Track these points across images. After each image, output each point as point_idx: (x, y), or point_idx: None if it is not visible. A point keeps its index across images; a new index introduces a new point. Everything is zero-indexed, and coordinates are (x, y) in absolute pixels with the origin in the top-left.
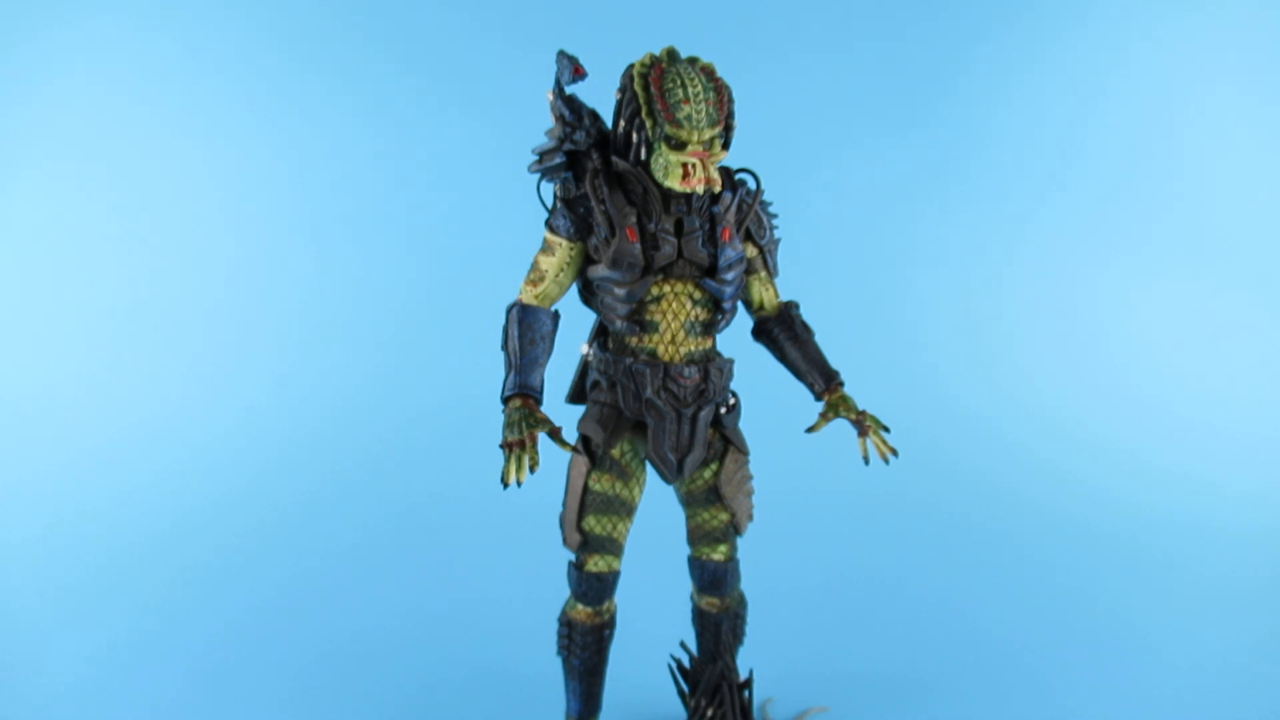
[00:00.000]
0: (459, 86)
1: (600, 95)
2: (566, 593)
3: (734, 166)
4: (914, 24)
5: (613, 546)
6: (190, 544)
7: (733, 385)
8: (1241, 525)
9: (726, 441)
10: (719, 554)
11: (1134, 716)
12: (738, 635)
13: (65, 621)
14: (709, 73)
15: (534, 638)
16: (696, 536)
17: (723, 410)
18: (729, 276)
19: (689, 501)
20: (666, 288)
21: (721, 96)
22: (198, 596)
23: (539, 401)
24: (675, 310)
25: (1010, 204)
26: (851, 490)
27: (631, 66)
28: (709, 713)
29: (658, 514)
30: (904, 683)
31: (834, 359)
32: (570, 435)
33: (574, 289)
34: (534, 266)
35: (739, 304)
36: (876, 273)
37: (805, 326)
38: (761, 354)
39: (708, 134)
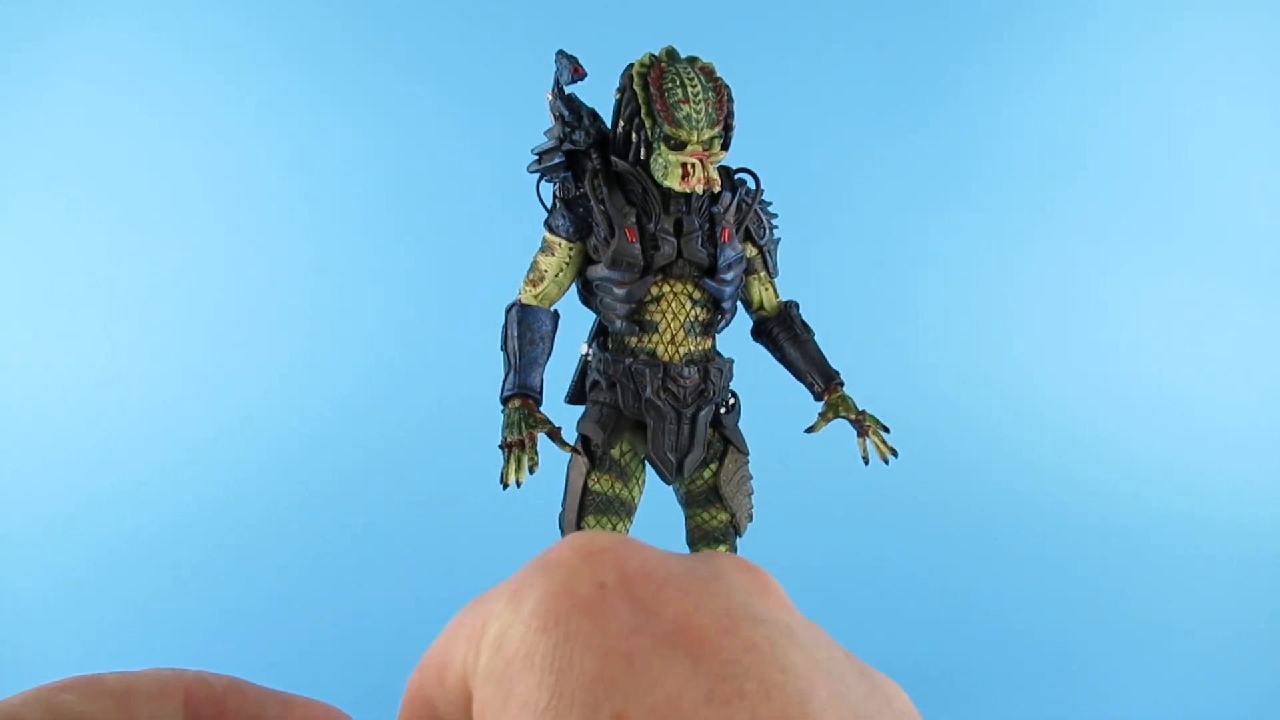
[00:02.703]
0: (458, 86)
1: (600, 95)
2: None
3: (734, 166)
4: (917, 23)
5: None
6: (190, 543)
7: (733, 385)
8: (1250, 519)
9: (726, 441)
10: None
11: (1136, 715)
12: None
13: (65, 620)
14: (709, 73)
15: None
16: (696, 537)
17: (722, 410)
18: (728, 276)
19: (689, 502)
20: (666, 288)
21: (721, 96)
22: (197, 595)
23: (539, 402)
24: (675, 310)
25: (1013, 203)
26: (851, 490)
27: (631, 66)
28: None
29: (658, 514)
30: (905, 682)
31: (834, 359)
32: (570, 435)
33: (574, 289)
34: (533, 266)
35: (739, 304)
36: (877, 272)
37: (805, 326)
38: (761, 354)
39: (707, 134)
